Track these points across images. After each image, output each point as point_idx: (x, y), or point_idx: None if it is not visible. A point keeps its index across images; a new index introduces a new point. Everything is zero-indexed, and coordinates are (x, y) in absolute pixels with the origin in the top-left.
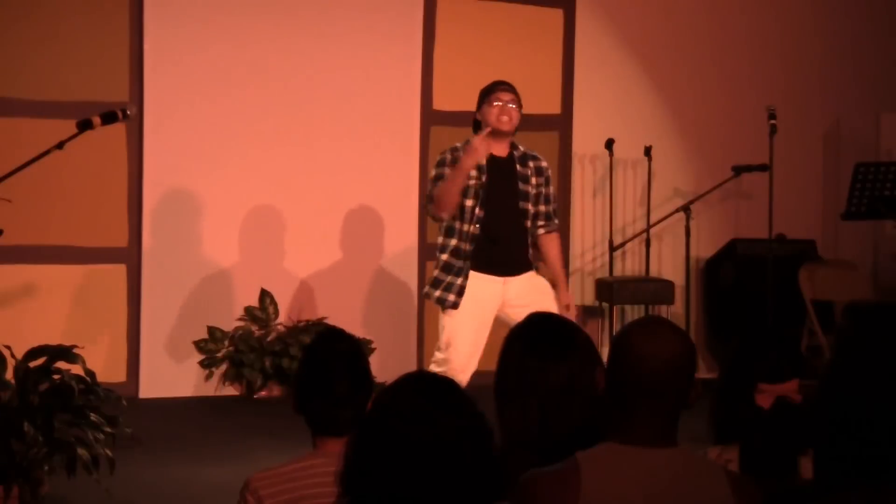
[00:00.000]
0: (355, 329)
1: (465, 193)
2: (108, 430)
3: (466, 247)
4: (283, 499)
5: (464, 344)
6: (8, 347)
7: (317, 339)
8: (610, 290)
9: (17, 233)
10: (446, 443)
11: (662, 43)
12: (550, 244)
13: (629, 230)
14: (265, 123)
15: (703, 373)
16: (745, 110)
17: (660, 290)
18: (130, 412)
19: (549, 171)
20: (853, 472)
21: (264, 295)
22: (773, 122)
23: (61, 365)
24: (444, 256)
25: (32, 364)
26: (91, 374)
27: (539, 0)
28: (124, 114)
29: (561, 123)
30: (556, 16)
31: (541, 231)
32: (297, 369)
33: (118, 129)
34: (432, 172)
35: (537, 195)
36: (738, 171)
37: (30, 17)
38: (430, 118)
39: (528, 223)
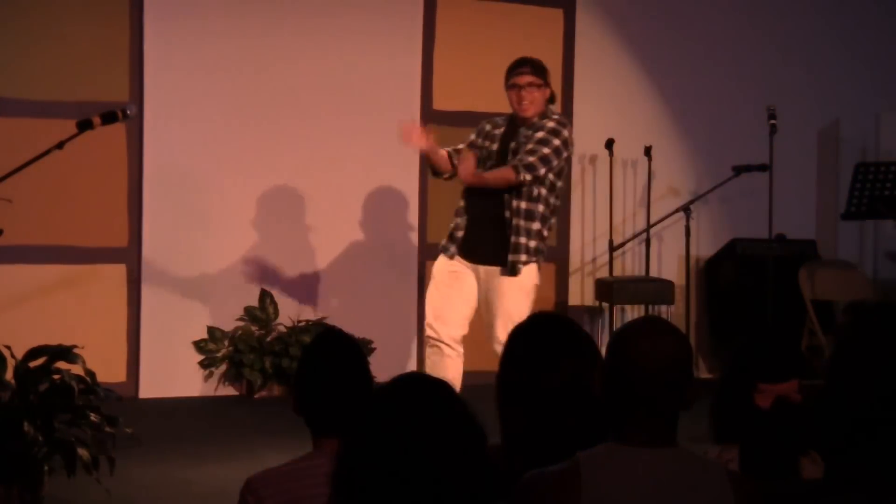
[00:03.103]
0: (355, 329)
1: (480, 162)
2: (108, 430)
3: (458, 222)
4: (284, 499)
5: (431, 298)
6: (8, 347)
7: (317, 339)
8: (610, 290)
9: (17, 233)
10: (437, 445)
11: (662, 43)
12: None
13: (629, 230)
14: (265, 123)
15: (703, 373)
16: (745, 110)
17: (660, 290)
18: (130, 412)
19: (556, 133)
20: (855, 472)
21: (264, 295)
22: (773, 122)
23: (61, 365)
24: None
25: (32, 364)
26: (91, 374)
27: (539, 0)
28: (124, 114)
29: None
30: (556, 16)
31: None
32: (297, 369)
33: (118, 129)
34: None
35: (523, 143)
36: (738, 171)
37: (30, 17)
38: (430, 118)
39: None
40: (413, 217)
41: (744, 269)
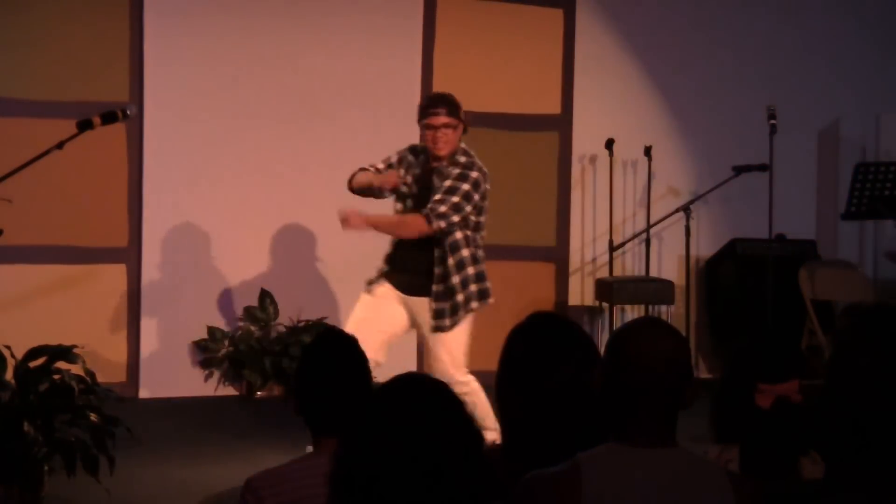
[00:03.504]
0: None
1: (399, 196)
2: (108, 430)
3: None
4: (284, 499)
5: (353, 317)
6: (8, 347)
7: (317, 339)
8: (610, 290)
9: (17, 233)
10: (435, 445)
11: (662, 43)
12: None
13: (629, 230)
14: (265, 123)
15: (703, 373)
16: (745, 110)
17: (660, 290)
18: (130, 412)
19: (465, 177)
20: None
21: (264, 295)
22: (773, 122)
23: (61, 365)
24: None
25: (32, 364)
26: (91, 374)
27: (539, 0)
28: (124, 114)
29: (561, 123)
30: (556, 16)
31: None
32: (297, 369)
33: (118, 129)
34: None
35: (439, 187)
36: (738, 171)
37: (30, 17)
38: None
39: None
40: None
41: (744, 269)
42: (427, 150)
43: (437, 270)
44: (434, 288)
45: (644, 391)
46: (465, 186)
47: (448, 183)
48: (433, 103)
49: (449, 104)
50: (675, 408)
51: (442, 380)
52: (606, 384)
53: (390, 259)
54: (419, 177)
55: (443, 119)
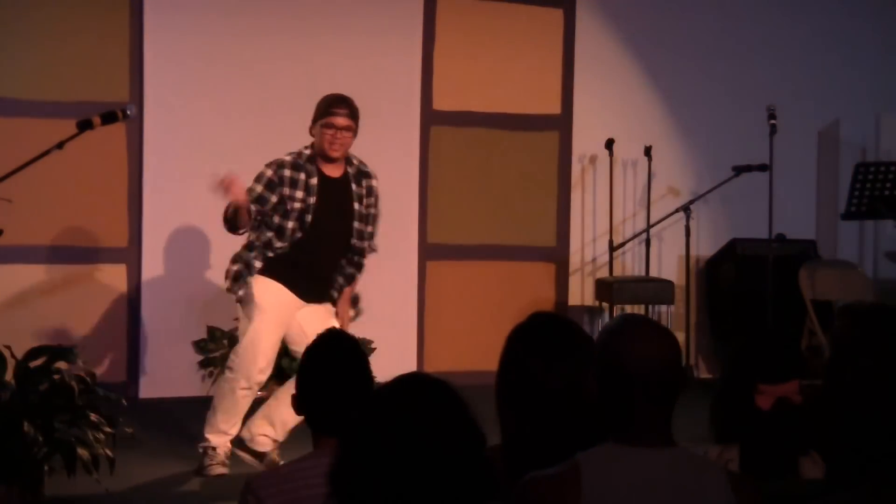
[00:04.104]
0: (355, 329)
1: (284, 215)
2: (108, 430)
3: (270, 255)
4: (284, 499)
5: (267, 344)
6: (8, 347)
7: (317, 339)
8: (610, 290)
9: (17, 233)
10: (437, 445)
11: (662, 43)
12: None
13: (629, 230)
14: (265, 123)
15: (704, 373)
16: (745, 110)
17: (660, 290)
18: (130, 412)
19: (378, 191)
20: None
21: None
22: (773, 122)
23: (61, 365)
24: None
25: (32, 364)
26: (91, 374)
27: (539, 0)
28: (124, 114)
29: (561, 123)
30: (556, 16)
31: (367, 250)
32: (298, 370)
33: (118, 129)
34: (249, 184)
35: (367, 215)
36: (738, 171)
37: (30, 17)
38: (430, 118)
39: (355, 241)
40: (413, 217)
41: (744, 269)
42: (311, 158)
43: None
44: None
45: (643, 394)
46: (378, 203)
47: (378, 212)
48: (336, 102)
49: (352, 107)
50: (671, 406)
51: None
52: (603, 387)
53: (288, 273)
54: (321, 190)
55: (346, 121)
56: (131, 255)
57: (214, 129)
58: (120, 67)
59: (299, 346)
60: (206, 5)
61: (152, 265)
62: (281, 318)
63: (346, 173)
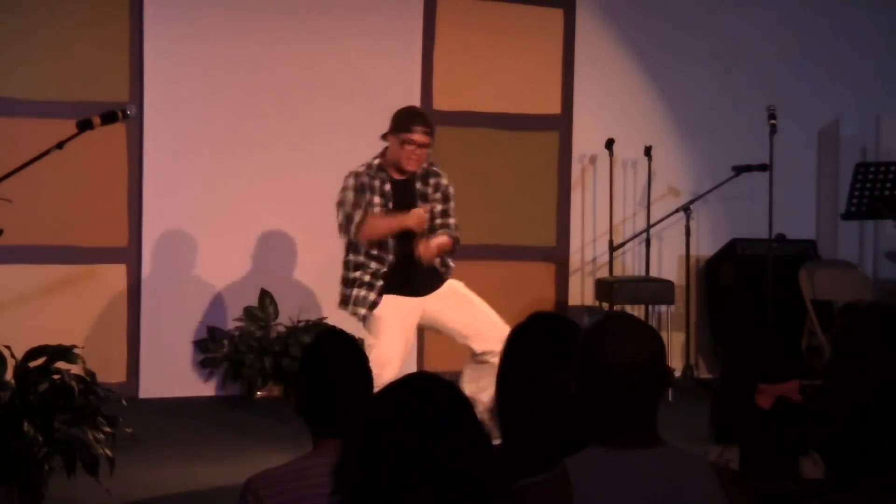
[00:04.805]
0: (355, 329)
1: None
2: (108, 430)
3: (378, 267)
4: (284, 499)
5: (392, 355)
6: (8, 347)
7: (317, 339)
8: (610, 290)
9: (17, 233)
10: (442, 445)
11: (662, 42)
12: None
13: (629, 230)
14: (265, 123)
15: (704, 373)
16: (745, 110)
17: (660, 290)
18: (130, 412)
19: (451, 189)
20: (855, 472)
21: (264, 295)
22: (773, 122)
23: (61, 365)
24: (354, 273)
25: (32, 364)
26: (91, 374)
27: (539, 0)
28: (124, 114)
29: (561, 123)
30: (556, 16)
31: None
32: (298, 369)
33: (118, 129)
34: (339, 196)
35: (442, 211)
36: (738, 171)
37: (30, 17)
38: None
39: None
40: None
41: (744, 269)
42: (381, 167)
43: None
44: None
45: (626, 394)
46: (453, 204)
47: (452, 206)
48: (416, 119)
49: (431, 125)
50: (655, 406)
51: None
52: (586, 389)
53: (400, 278)
54: (396, 195)
55: (426, 139)
56: (131, 255)
57: (214, 128)
58: (120, 67)
59: (451, 332)
60: (206, 5)
61: (152, 265)
62: (403, 326)
63: (412, 174)
